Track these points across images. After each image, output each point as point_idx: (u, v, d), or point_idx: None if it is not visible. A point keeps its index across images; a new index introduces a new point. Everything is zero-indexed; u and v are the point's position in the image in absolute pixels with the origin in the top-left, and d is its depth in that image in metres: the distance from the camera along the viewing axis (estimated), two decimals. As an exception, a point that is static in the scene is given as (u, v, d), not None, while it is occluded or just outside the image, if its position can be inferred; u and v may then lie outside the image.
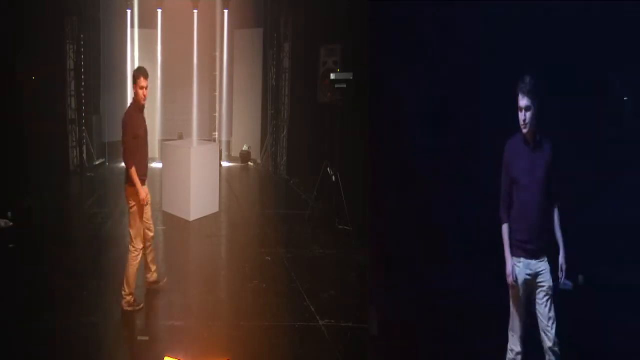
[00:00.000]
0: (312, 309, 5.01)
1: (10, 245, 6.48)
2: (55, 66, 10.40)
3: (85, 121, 11.43)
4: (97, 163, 11.80)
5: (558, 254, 3.44)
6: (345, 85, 7.55)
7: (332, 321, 4.79)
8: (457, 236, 5.20)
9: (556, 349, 3.35)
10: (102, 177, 10.97)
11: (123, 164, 4.96)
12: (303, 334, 4.61)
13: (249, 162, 12.94)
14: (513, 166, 3.43)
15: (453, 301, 4.88)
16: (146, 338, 4.48)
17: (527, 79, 3.30)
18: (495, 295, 3.67)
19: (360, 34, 6.32)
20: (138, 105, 4.93)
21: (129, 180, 4.86)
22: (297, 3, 10.63)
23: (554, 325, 3.35)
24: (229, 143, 13.51)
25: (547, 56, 4.82)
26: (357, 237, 6.97)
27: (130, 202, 4.94)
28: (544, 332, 3.35)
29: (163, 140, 10.36)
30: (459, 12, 5.06)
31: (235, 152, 13.37)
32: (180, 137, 12.35)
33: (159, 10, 12.57)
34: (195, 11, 12.77)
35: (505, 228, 3.44)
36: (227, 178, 11.26)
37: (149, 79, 4.94)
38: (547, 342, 3.34)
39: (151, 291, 5.35)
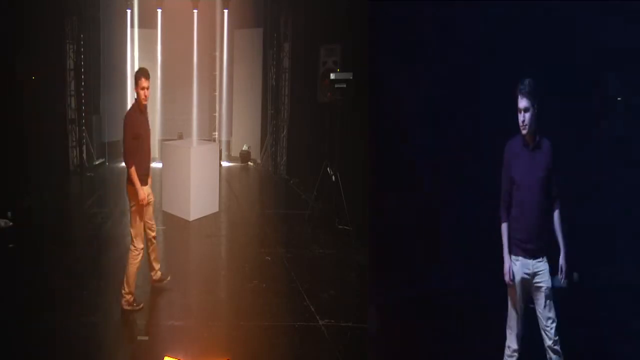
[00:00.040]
0: (312, 309, 5.01)
1: (10, 245, 6.48)
2: (55, 66, 10.40)
3: (85, 121, 11.43)
4: (97, 163, 11.81)
5: (558, 254, 3.45)
6: (345, 85, 7.55)
7: (332, 321, 4.79)
8: (457, 236, 5.20)
9: (557, 347, 3.37)
10: (102, 177, 10.97)
11: (123, 164, 4.97)
12: (303, 334, 4.61)
13: (249, 162, 12.94)
14: (513, 167, 3.47)
15: (453, 301, 4.88)
16: (146, 338, 4.48)
17: (527, 80, 3.35)
18: (495, 295, 3.68)
19: (360, 34, 6.31)
20: (139, 106, 4.95)
21: (130, 180, 4.88)
22: (297, 3, 10.63)
23: (554, 325, 3.37)
24: (229, 143, 13.51)
25: (547, 56, 4.82)
26: (357, 237, 6.97)
27: (131, 201, 4.96)
28: (544, 332, 3.38)
29: (163, 140, 10.36)
30: (459, 12, 5.06)
31: (235, 152, 13.37)
32: (180, 137, 12.35)
33: (159, 10, 12.58)
34: (195, 11, 12.78)
35: (504, 227, 3.48)
36: (227, 178, 11.26)
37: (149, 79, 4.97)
38: (547, 341, 3.38)
39: (151, 291, 5.36)
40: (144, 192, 4.90)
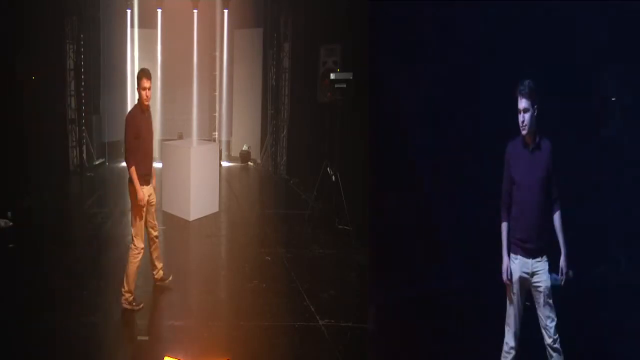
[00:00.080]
0: (312, 309, 5.01)
1: (10, 245, 6.48)
2: (55, 66, 10.40)
3: (85, 121, 11.43)
4: (97, 163, 11.80)
5: (559, 254, 3.46)
6: (345, 85, 7.55)
7: (332, 321, 4.79)
8: (457, 236, 5.20)
9: (556, 346, 3.39)
10: (102, 177, 10.97)
11: (123, 164, 4.99)
12: (303, 334, 4.61)
13: (249, 162, 12.94)
14: (513, 167, 3.50)
15: (453, 301, 4.88)
16: (146, 338, 4.48)
17: (526, 82, 3.38)
18: (495, 295, 3.69)
19: (360, 34, 6.32)
20: (141, 106, 4.98)
21: (131, 180, 4.90)
22: (297, 3, 10.63)
23: (554, 324, 3.39)
24: (229, 143, 13.51)
25: (546, 56, 4.82)
26: (357, 237, 6.97)
27: (132, 201, 4.98)
28: (544, 330, 3.41)
29: (163, 140, 10.35)
30: (459, 12, 5.06)
31: (235, 152, 13.37)
32: (180, 137, 12.36)
33: (159, 10, 12.58)
34: (195, 11, 12.78)
35: (504, 227, 3.52)
36: (227, 178, 11.26)
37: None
38: (547, 339, 3.40)
39: (151, 291, 5.36)
40: (143, 192, 4.92)
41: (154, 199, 5.20)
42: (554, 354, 3.39)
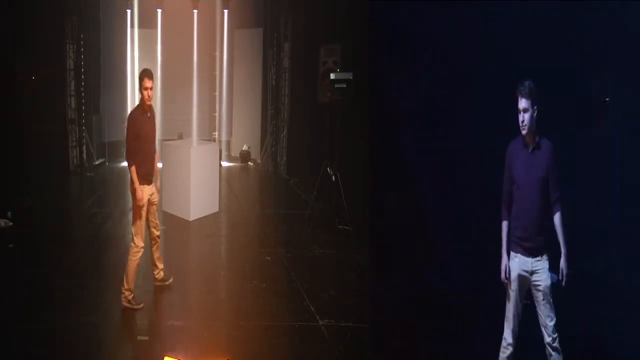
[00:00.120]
0: (312, 309, 5.02)
1: (10, 245, 6.48)
2: (55, 66, 10.40)
3: (85, 121, 11.43)
4: (97, 163, 11.80)
5: (559, 253, 3.47)
6: (345, 85, 7.55)
7: (332, 321, 4.79)
8: (457, 236, 5.20)
9: (556, 345, 3.41)
10: (102, 177, 10.97)
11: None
12: (303, 334, 4.62)
13: (249, 162, 12.94)
14: (513, 166, 3.54)
15: (453, 301, 4.88)
16: (146, 338, 4.48)
17: (526, 82, 3.41)
18: (495, 295, 3.69)
19: (360, 34, 6.31)
20: (143, 106, 5.01)
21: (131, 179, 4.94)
22: (297, 3, 10.63)
23: (553, 323, 3.41)
24: (229, 143, 13.50)
25: (543, 57, 4.81)
26: (357, 237, 6.97)
27: (133, 200, 5.01)
28: (544, 328, 3.43)
29: (163, 140, 10.34)
30: (459, 12, 5.05)
31: (235, 152, 13.37)
32: (180, 137, 12.36)
33: (159, 10, 12.57)
34: (195, 11, 12.77)
35: (504, 225, 3.56)
36: (227, 178, 11.27)
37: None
38: (547, 338, 3.43)
39: (151, 291, 5.36)
40: (142, 192, 4.95)
41: (156, 199, 5.22)
42: (554, 353, 3.41)
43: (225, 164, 12.57)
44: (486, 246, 3.87)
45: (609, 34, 4.84)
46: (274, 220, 8.17)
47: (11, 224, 7.20)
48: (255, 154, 12.96)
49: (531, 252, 3.45)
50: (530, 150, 3.48)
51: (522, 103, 3.40)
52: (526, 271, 3.47)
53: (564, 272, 3.42)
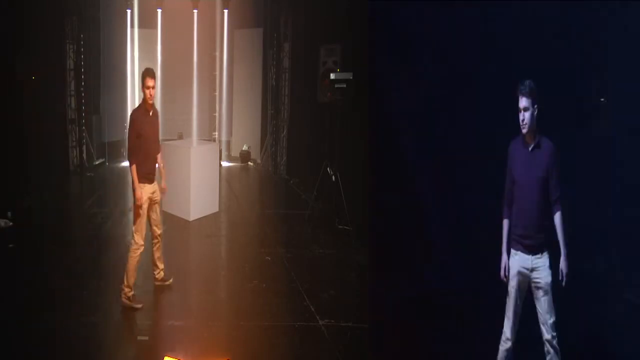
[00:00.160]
0: (312, 309, 5.02)
1: (10, 245, 6.48)
2: (55, 66, 10.40)
3: (85, 121, 11.43)
4: (97, 163, 11.80)
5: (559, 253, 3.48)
6: (345, 85, 7.55)
7: (332, 321, 4.79)
8: (457, 236, 5.20)
9: (554, 343, 3.43)
10: (102, 177, 10.97)
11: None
12: (303, 334, 4.61)
13: (249, 162, 12.94)
14: (513, 166, 3.56)
15: (453, 301, 4.88)
16: (146, 338, 4.48)
17: (527, 81, 3.43)
18: (495, 295, 3.69)
19: (360, 34, 6.32)
20: (145, 105, 5.05)
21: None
22: (297, 3, 10.63)
23: (552, 321, 3.43)
24: (229, 143, 13.50)
25: (539, 57, 4.81)
26: (357, 237, 6.97)
27: (134, 198, 5.06)
28: (543, 326, 3.45)
29: (163, 140, 10.34)
30: (459, 12, 5.05)
31: (235, 152, 13.37)
32: (180, 137, 12.36)
33: (159, 10, 12.58)
34: (195, 11, 12.78)
35: (505, 223, 3.59)
36: (227, 178, 11.26)
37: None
38: (546, 335, 3.44)
39: (151, 291, 5.36)
40: (144, 191, 4.99)
41: (158, 197, 5.26)
42: (552, 350, 3.43)
43: (225, 164, 12.57)
44: (486, 246, 3.88)
45: (609, 34, 4.84)
46: (274, 220, 8.17)
47: (11, 224, 7.19)
48: (255, 154, 12.96)
49: (531, 250, 3.47)
50: (530, 150, 3.49)
51: (523, 102, 3.42)
52: (526, 268, 3.48)
53: (564, 272, 3.43)
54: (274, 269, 6.12)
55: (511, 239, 3.55)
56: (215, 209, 8.48)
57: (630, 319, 4.58)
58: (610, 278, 5.09)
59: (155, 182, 5.20)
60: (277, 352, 4.39)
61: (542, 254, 3.46)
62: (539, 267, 3.45)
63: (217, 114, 13.42)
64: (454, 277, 5.11)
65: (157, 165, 5.26)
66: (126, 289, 4.94)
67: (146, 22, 12.50)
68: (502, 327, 3.59)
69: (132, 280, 4.96)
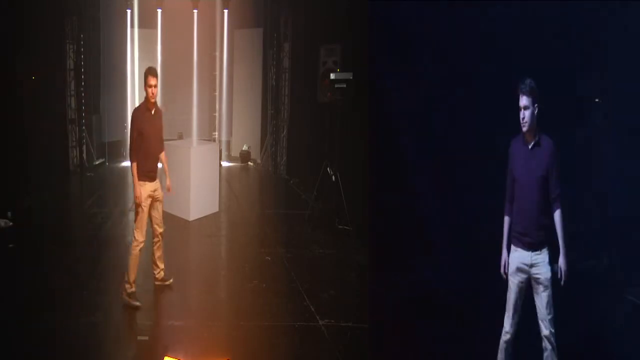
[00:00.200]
0: (312, 309, 5.02)
1: (10, 245, 6.48)
2: (55, 66, 10.39)
3: (85, 121, 11.43)
4: (97, 163, 11.80)
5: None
6: (345, 85, 7.54)
7: (332, 321, 4.79)
8: (458, 236, 5.20)
9: (552, 339, 3.45)
10: (102, 177, 10.97)
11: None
12: (303, 334, 4.61)
13: (249, 162, 12.94)
14: (514, 164, 3.59)
15: (453, 301, 4.88)
16: (146, 338, 4.48)
17: (527, 80, 3.46)
18: (495, 295, 3.69)
19: (360, 34, 6.32)
20: (147, 104, 5.08)
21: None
22: (297, 3, 10.63)
23: (550, 317, 3.45)
24: (229, 143, 13.50)
25: (545, 56, 4.81)
26: (357, 237, 6.97)
27: None
28: (541, 322, 3.47)
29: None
30: (459, 12, 5.05)
31: (235, 152, 13.37)
32: (180, 137, 12.36)
33: (159, 10, 12.57)
34: (195, 11, 12.77)
35: (506, 220, 3.63)
36: (227, 178, 11.26)
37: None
38: (544, 331, 3.46)
39: (151, 291, 5.36)
40: (140, 189, 5.03)
41: (160, 195, 5.27)
42: (549, 347, 3.45)
43: (225, 164, 12.57)
44: (486, 246, 3.89)
45: (609, 34, 4.84)
46: (274, 220, 8.17)
47: (11, 224, 7.19)
48: (255, 154, 12.96)
49: (531, 247, 3.50)
50: (530, 148, 3.51)
51: (523, 100, 3.45)
52: (525, 264, 3.51)
53: (563, 269, 3.44)
54: (274, 269, 6.12)
55: (511, 235, 3.59)
56: (215, 209, 8.48)
57: (630, 319, 4.58)
58: (610, 277, 5.09)
59: (158, 181, 5.22)
60: (277, 352, 4.39)
61: (541, 250, 3.49)
62: (539, 263, 3.48)
63: (217, 114, 13.41)
64: (454, 277, 5.11)
65: (159, 164, 5.29)
66: (126, 286, 4.98)
67: (146, 22, 12.49)
68: (502, 327, 3.61)
69: (132, 277, 4.99)
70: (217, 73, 13.24)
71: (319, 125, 8.55)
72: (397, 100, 5.20)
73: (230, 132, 13.49)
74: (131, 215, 5.17)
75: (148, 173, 5.08)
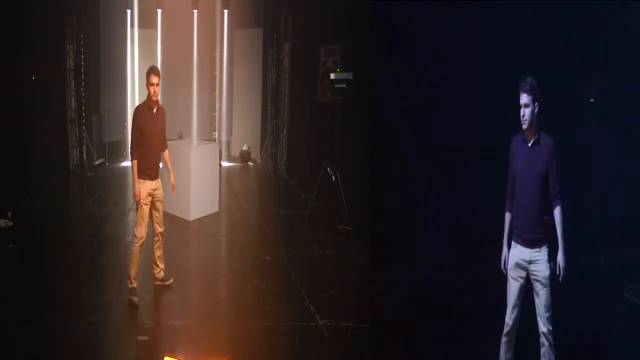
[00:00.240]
0: (312, 309, 5.02)
1: (10, 245, 6.48)
2: (55, 66, 10.40)
3: (85, 121, 11.44)
4: (97, 163, 11.80)
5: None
6: (345, 85, 7.55)
7: (332, 321, 4.79)
8: (458, 236, 5.20)
9: (549, 337, 3.47)
10: (102, 177, 10.97)
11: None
12: (303, 334, 4.61)
13: (249, 162, 12.94)
14: (514, 161, 3.64)
15: (453, 301, 4.88)
16: (146, 338, 4.48)
17: (528, 78, 3.50)
18: (495, 295, 3.70)
19: (360, 34, 6.32)
20: (149, 102, 5.13)
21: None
22: (297, 3, 10.63)
23: (549, 314, 3.48)
24: (229, 143, 13.50)
25: (545, 56, 4.81)
26: (357, 237, 6.97)
27: None
28: (540, 318, 3.50)
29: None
30: (459, 12, 5.05)
31: (235, 152, 13.37)
32: (180, 137, 12.36)
33: (159, 10, 12.57)
34: (195, 11, 12.77)
35: (507, 216, 3.68)
36: (227, 178, 11.26)
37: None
38: (542, 327, 3.50)
39: (151, 291, 5.36)
40: (139, 186, 5.08)
41: (160, 195, 5.29)
42: (547, 343, 3.48)
43: (225, 164, 12.57)
44: (486, 246, 3.89)
45: (609, 34, 4.84)
46: (274, 220, 8.17)
47: (11, 224, 7.19)
48: (255, 154, 12.96)
49: (529, 244, 3.54)
50: (530, 145, 3.55)
51: (524, 98, 3.49)
52: (524, 260, 3.55)
53: (561, 265, 3.47)
54: (274, 269, 6.12)
55: (513, 232, 3.63)
56: (215, 209, 8.47)
57: (631, 319, 4.58)
58: (610, 277, 5.09)
59: (159, 181, 5.24)
60: (277, 352, 4.39)
61: (540, 248, 3.52)
62: (537, 260, 3.51)
63: (217, 114, 13.41)
64: (454, 277, 5.11)
65: (161, 163, 5.32)
66: (128, 281, 5.06)
67: (146, 22, 12.49)
68: (502, 327, 3.64)
69: (132, 273, 5.06)
70: (217, 73, 13.24)
71: (319, 125, 8.55)
72: (397, 100, 5.19)
73: (230, 132, 13.49)
74: (131, 215, 5.18)
75: (148, 171, 5.11)
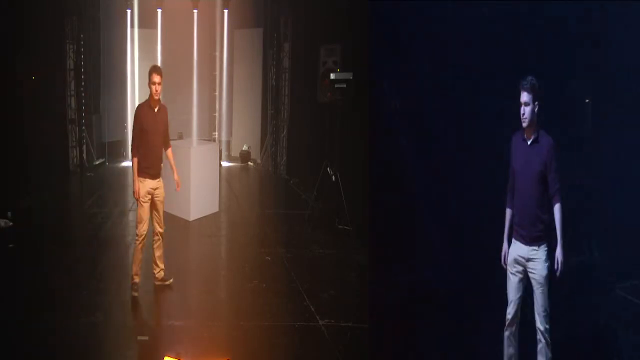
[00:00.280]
0: (312, 309, 5.02)
1: (10, 245, 6.48)
2: (55, 66, 10.40)
3: (85, 121, 11.43)
4: (97, 163, 11.80)
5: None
6: (345, 85, 7.55)
7: (332, 321, 4.79)
8: (458, 236, 5.20)
9: (546, 334, 3.49)
10: (102, 177, 10.97)
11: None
12: (303, 334, 4.61)
13: (249, 162, 12.94)
14: (513, 159, 3.67)
15: (453, 301, 4.88)
16: (146, 338, 4.48)
17: (529, 77, 3.53)
18: (495, 295, 3.71)
19: (360, 34, 6.32)
20: (150, 101, 5.20)
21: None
22: (297, 3, 10.63)
23: (546, 313, 3.50)
24: (229, 143, 13.50)
25: (545, 56, 4.81)
26: (357, 237, 6.97)
27: None
28: (537, 315, 3.52)
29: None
30: (459, 12, 5.05)
31: (235, 152, 13.37)
32: (180, 137, 12.35)
33: (159, 10, 12.57)
34: (195, 11, 12.77)
35: (508, 213, 3.72)
36: (227, 178, 11.26)
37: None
38: (539, 324, 3.52)
39: (151, 290, 5.36)
40: (138, 185, 5.12)
41: (161, 194, 5.30)
42: (543, 340, 3.50)
43: (225, 164, 12.57)
44: (486, 246, 3.89)
45: (609, 34, 4.84)
46: (274, 220, 8.17)
47: (11, 224, 7.19)
48: (255, 154, 12.96)
49: (527, 241, 3.57)
50: (529, 144, 3.58)
51: (524, 97, 3.51)
52: (523, 257, 3.58)
53: (560, 260, 3.48)
54: (274, 269, 6.12)
55: (513, 228, 3.66)
56: (215, 209, 8.48)
57: (630, 318, 4.58)
58: (608, 276, 5.09)
59: (160, 180, 5.25)
60: (277, 352, 4.39)
61: (539, 246, 3.54)
62: (535, 258, 3.53)
63: (217, 114, 13.41)
64: (454, 277, 5.11)
65: (162, 162, 5.34)
66: (130, 277, 5.14)
67: (146, 22, 12.48)
68: (502, 326, 3.66)
69: (135, 269, 5.14)
70: (217, 73, 13.24)
71: (319, 125, 8.55)
72: (397, 100, 5.19)
73: (230, 132, 13.49)
74: (131, 215, 5.20)
75: (148, 170, 5.13)
